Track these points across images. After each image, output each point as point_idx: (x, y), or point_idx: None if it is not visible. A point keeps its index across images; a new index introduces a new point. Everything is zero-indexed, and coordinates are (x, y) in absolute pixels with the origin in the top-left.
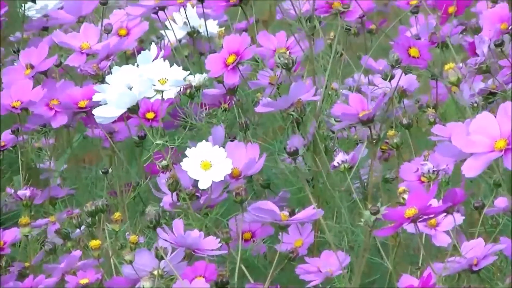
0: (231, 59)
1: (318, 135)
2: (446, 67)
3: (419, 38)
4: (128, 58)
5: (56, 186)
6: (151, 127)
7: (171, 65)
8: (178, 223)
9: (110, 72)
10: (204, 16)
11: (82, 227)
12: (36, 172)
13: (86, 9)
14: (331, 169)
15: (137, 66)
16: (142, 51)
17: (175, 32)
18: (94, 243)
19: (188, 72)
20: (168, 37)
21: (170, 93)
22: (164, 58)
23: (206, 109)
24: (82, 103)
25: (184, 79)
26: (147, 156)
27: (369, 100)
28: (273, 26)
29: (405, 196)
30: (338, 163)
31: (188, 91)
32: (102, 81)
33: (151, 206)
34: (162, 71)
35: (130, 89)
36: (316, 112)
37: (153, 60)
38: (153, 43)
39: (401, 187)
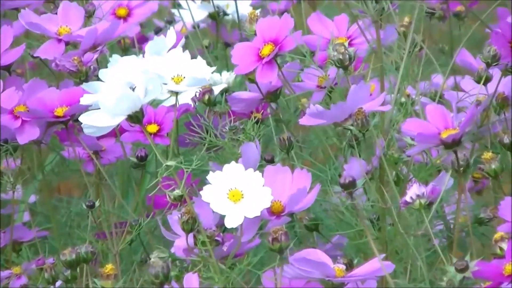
0: (267, 49)
1: (386, 159)
2: None
3: None
4: (126, 49)
5: (22, 225)
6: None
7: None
8: (191, 278)
9: (96, 69)
10: None
11: (58, 283)
12: None
13: None
14: (402, 206)
15: (143, 57)
16: (148, 39)
17: (192, 13)
18: None
19: (213, 68)
20: (183, 20)
21: (188, 95)
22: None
23: (231, 120)
24: (60, 111)
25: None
26: (153, 183)
27: (454, 112)
28: (323, 7)
29: (504, 245)
30: (411, 198)
31: (206, 96)
32: (86, 80)
33: (158, 253)
34: (177, 66)
35: (133, 90)
36: (385, 127)
37: (169, 50)
38: (171, 27)
39: (499, 233)
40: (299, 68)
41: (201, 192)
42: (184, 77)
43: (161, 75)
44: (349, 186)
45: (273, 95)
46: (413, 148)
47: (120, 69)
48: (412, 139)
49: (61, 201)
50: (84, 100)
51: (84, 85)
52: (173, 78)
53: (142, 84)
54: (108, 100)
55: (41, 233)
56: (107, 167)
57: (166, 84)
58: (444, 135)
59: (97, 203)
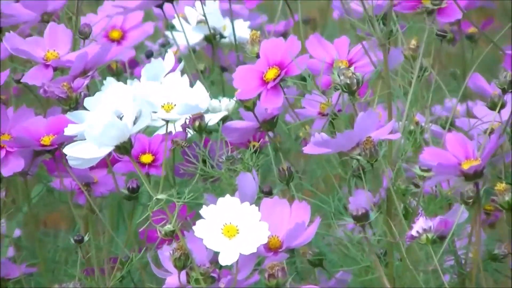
0: (271, 73)
1: (394, 190)
2: None
3: None
4: (118, 74)
5: (7, 260)
6: (148, 175)
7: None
8: None
9: (87, 95)
10: (231, 13)
11: None
12: None
13: (55, 3)
14: (407, 241)
15: (138, 81)
16: (139, 63)
17: (187, 36)
18: None
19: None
20: (177, 43)
21: (180, 123)
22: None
23: (229, 150)
24: (47, 140)
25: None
26: (144, 217)
27: (475, 141)
28: (326, 28)
29: None
30: (417, 232)
31: (197, 123)
32: (76, 107)
33: None
34: (173, 92)
35: (121, 119)
36: (393, 157)
37: (166, 75)
38: (169, 50)
39: None
40: (297, 93)
41: (193, 227)
42: (175, 104)
43: (151, 102)
44: (362, 219)
45: (270, 123)
46: (430, 180)
47: (107, 97)
48: (423, 170)
49: (47, 235)
50: (68, 130)
51: (69, 115)
52: (163, 106)
53: (131, 112)
54: (94, 129)
55: (27, 269)
56: (97, 198)
57: (156, 112)
58: (465, 166)
59: (86, 237)
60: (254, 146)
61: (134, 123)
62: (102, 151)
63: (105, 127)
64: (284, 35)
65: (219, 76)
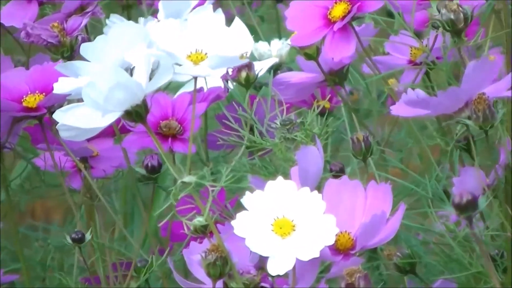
0: (339, 10)
1: None
2: None
3: None
4: (129, 7)
5: None
6: (172, 151)
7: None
8: None
9: (85, 39)
10: None
11: None
12: None
13: None
14: None
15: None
16: None
17: None
18: None
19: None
20: None
21: (214, 79)
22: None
23: (284, 110)
24: (31, 100)
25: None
26: (166, 206)
27: None
28: None
29: None
30: None
31: (243, 74)
32: (71, 56)
33: None
34: (202, 35)
35: (131, 73)
36: None
37: (191, 10)
38: None
39: None
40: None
41: (233, 223)
42: (206, 54)
43: (171, 52)
44: (468, 208)
45: (339, 75)
46: None
47: (112, 42)
48: None
49: (35, 230)
50: (59, 87)
51: (59, 67)
52: (189, 56)
53: (145, 65)
54: (95, 91)
55: (8, 277)
56: (102, 180)
57: (180, 64)
58: None
59: (88, 235)
60: (319, 104)
61: (150, 77)
62: (107, 119)
63: (111, 89)
64: None
65: (273, 9)
